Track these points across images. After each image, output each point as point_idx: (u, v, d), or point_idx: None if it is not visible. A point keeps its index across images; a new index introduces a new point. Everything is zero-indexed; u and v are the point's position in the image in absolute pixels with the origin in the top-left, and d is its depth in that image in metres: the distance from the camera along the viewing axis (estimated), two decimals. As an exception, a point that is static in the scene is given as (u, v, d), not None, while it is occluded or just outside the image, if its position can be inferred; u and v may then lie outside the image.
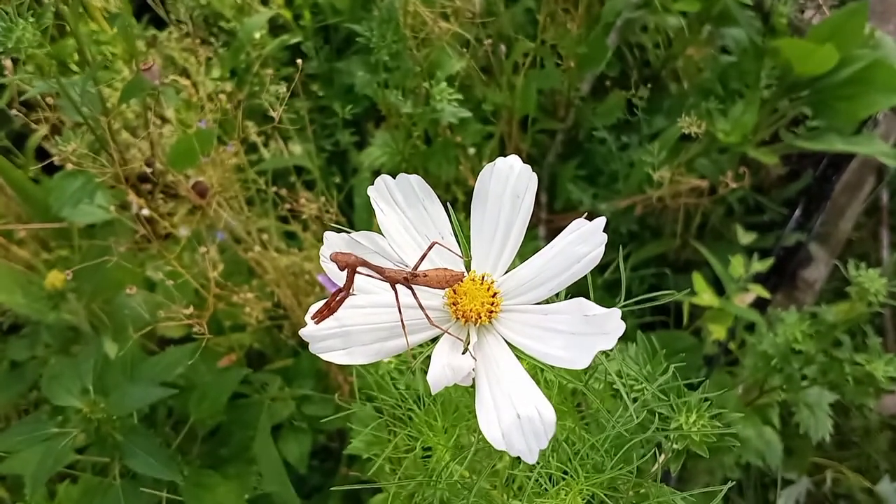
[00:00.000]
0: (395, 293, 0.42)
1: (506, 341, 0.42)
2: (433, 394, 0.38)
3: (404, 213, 0.45)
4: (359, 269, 0.42)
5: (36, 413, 0.91)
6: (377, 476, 0.93)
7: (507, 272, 0.44)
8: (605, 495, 0.57)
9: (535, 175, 0.43)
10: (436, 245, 0.44)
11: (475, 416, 0.66)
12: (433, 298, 0.43)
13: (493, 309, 0.42)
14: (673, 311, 1.44)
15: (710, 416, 0.64)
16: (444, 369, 0.38)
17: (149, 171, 0.93)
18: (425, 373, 0.69)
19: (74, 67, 0.99)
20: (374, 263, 0.42)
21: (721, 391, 0.67)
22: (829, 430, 1.15)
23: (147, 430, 0.91)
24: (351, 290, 0.42)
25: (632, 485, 0.61)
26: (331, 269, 0.44)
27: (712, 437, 0.64)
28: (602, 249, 0.40)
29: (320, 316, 0.41)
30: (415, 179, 0.45)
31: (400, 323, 0.41)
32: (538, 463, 0.57)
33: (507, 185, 0.43)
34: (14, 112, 0.88)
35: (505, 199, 0.43)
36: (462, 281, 0.42)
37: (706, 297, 1.25)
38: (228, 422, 1.06)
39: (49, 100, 0.86)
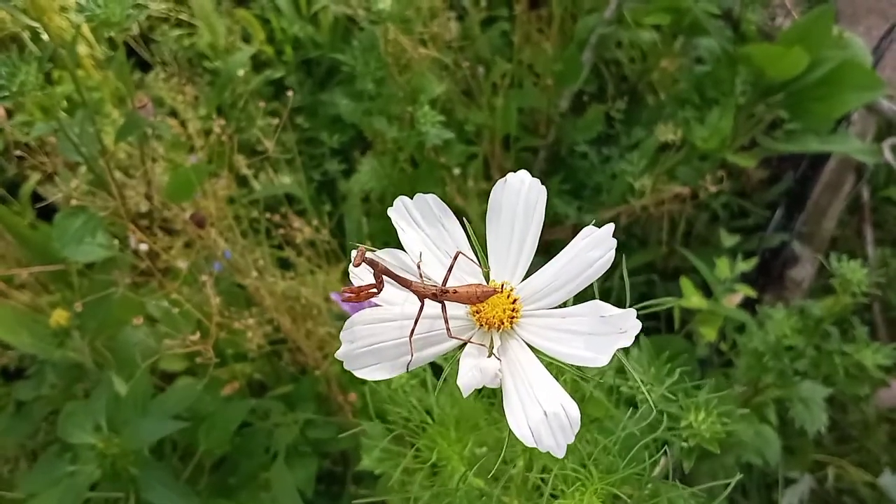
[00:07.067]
0: (422, 306, 0.44)
1: (527, 344, 0.44)
2: (465, 396, 0.40)
3: (424, 230, 0.47)
4: (386, 280, 0.44)
5: (48, 454, 0.92)
6: (387, 495, 0.94)
7: (523, 279, 0.46)
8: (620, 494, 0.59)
9: (544, 188, 0.46)
10: (456, 257, 0.45)
11: (487, 427, 0.68)
12: (457, 308, 0.45)
13: (514, 315, 0.44)
14: (664, 317, 1.47)
15: (717, 412, 0.66)
16: (474, 371, 0.40)
17: (147, 204, 0.95)
18: (437, 386, 0.71)
19: (62, 115, 1.01)
20: (401, 276, 0.44)
21: (720, 392, 0.68)
22: (824, 423, 1.17)
23: (160, 463, 0.92)
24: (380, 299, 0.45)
25: (644, 483, 0.63)
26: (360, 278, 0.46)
27: (721, 434, 0.66)
28: (612, 254, 0.42)
29: (348, 293, 0.44)
30: (431, 199, 0.47)
31: (429, 333, 0.44)
32: (553, 466, 0.59)
33: (520, 197, 0.46)
34: (18, 153, 0.89)
35: (518, 211, 0.46)
36: (493, 295, 0.44)
37: (695, 299, 1.28)
38: (234, 451, 1.07)
39: (43, 146, 0.88)
